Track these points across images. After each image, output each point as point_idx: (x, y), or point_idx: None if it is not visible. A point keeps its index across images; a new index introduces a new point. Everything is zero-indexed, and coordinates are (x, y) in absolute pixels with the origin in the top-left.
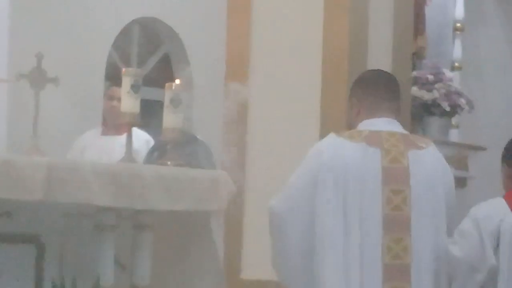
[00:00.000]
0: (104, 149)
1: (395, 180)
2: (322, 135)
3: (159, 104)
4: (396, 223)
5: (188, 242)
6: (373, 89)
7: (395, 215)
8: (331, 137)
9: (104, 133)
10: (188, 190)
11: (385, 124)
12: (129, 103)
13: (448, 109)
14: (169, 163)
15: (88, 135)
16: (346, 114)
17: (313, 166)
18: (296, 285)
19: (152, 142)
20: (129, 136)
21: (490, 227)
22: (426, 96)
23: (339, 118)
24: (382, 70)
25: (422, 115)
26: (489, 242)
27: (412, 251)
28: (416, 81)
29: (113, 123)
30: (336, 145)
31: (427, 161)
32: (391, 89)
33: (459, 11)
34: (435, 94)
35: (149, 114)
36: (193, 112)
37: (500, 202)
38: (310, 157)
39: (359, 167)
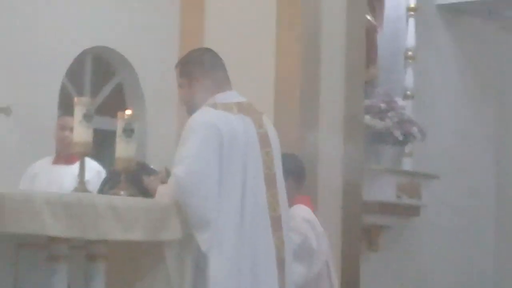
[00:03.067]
0: (55, 178)
1: (265, 143)
2: None
3: (113, 134)
4: (270, 181)
5: (142, 273)
6: (215, 68)
7: (268, 173)
8: (211, 111)
9: (56, 162)
10: (141, 220)
11: (237, 96)
12: (81, 133)
13: (401, 137)
14: (122, 193)
15: (40, 164)
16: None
17: (210, 136)
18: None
19: (103, 172)
20: (82, 166)
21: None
22: (379, 125)
23: (292, 143)
24: (209, 49)
25: (375, 143)
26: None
27: (280, 204)
28: (369, 110)
29: (65, 152)
30: (221, 118)
31: (271, 125)
32: (224, 66)
33: (410, 39)
34: (388, 122)
35: (102, 144)
36: (147, 141)
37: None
38: (203, 128)
39: (244, 135)
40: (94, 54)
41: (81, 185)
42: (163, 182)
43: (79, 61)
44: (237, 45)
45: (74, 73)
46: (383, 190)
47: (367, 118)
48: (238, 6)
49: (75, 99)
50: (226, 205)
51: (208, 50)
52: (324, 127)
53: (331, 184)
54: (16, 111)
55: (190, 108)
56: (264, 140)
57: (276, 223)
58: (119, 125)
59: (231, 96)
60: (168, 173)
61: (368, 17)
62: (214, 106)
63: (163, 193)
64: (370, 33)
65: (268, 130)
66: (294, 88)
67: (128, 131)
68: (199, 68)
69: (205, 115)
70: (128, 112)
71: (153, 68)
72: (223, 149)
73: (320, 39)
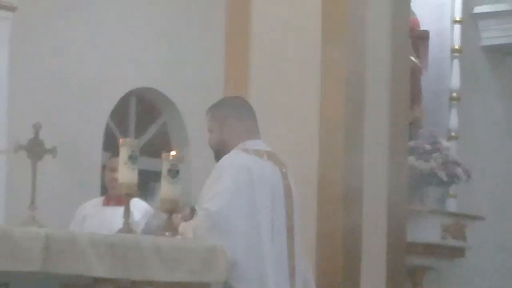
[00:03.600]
0: (106, 220)
1: (288, 194)
2: (320, 197)
3: (158, 174)
4: (290, 230)
5: None
6: (249, 114)
7: (289, 223)
8: (243, 154)
9: (106, 203)
10: (185, 261)
11: (265, 145)
12: (126, 174)
13: (445, 178)
14: (167, 234)
15: (89, 205)
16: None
17: (242, 176)
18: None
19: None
20: (127, 207)
21: None
22: (423, 166)
23: (336, 192)
24: (242, 97)
25: (419, 185)
26: None
27: (295, 255)
28: (413, 151)
29: (116, 194)
30: (253, 161)
31: (293, 179)
32: (255, 115)
33: (455, 80)
34: (432, 164)
35: (148, 185)
36: (191, 182)
37: None
38: (235, 168)
39: (273, 180)
40: (138, 95)
41: (126, 225)
42: (186, 220)
43: (123, 101)
44: (282, 84)
45: (118, 113)
46: (428, 231)
47: (412, 159)
48: (283, 46)
49: (120, 140)
50: (255, 240)
51: (241, 98)
52: (368, 168)
53: (375, 225)
54: (61, 152)
55: (219, 153)
56: (287, 191)
57: (292, 273)
58: (164, 166)
59: (261, 144)
60: (192, 213)
61: (413, 59)
62: (246, 151)
63: (186, 227)
64: (415, 74)
65: (291, 183)
66: (339, 128)
67: (173, 172)
68: (231, 114)
69: (237, 158)
70: (173, 153)
71: (198, 108)
72: (254, 189)
73: (364, 80)
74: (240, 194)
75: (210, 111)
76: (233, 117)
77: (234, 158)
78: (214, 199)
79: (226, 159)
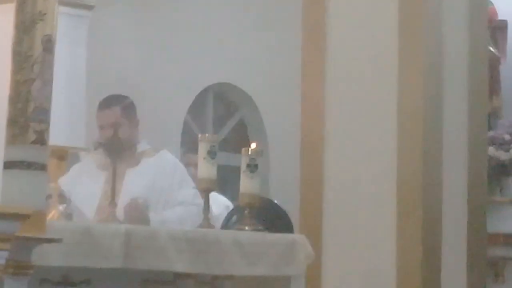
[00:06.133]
0: None
1: None
2: (400, 195)
3: (237, 169)
4: None
5: None
6: None
7: None
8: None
9: None
10: (265, 255)
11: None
12: (205, 169)
13: None
14: (246, 228)
15: None
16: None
17: None
18: None
19: (231, 207)
20: (206, 202)
21: None
22: (503, 156)
23: (415, 184)
24: None
25: (499, 175)
26: None
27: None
28: (492, 141)
29: None
30: None
31: None
32: None
33: None
34: None
35: (227, 179)
36: (270, 176)
37: None
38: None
39: None
40: (215, 90)
41: (206, 221)
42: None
43: (200, 97)
44: (359, 80)
45: (196, 109)
46: (509, 221)
47: (491, 149)
48: (358, 40)
49: (199, 135)
50: None
51: None
52: (447, 159)
53: (455, 217)
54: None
55: (120, 148)
56: None
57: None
58: (243, 161)
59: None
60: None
61: (491, 49)
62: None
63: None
64: (493, 64)
65: None
66: (418, 121)
67: (252, 167)
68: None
69: (171, 155)
70: (253, 146)
71: (275, 103)
72: None
73: (442, 71)
74: None
75: (118, 106)
76: (135, 117)
77: (170, 155)
78: (198, 196)
79: (169, 154)
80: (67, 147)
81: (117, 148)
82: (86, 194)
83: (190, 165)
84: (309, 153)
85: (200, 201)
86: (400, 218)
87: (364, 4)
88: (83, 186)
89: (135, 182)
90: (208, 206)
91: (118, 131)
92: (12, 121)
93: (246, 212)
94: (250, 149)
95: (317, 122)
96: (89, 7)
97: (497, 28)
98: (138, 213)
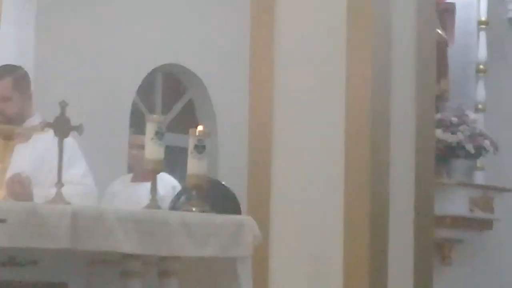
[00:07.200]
0: (133, 196)
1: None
2: (347, 179)
3: (184, 151)
4: None
5: None
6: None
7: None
8: None
9: (133, 180)
10: (213, 236)
11: None
12: (153, 150)
13: (472, 151)
14: (194, 209)
15: (117, 182)
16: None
17: None
18: None
19: (178, 187)
20: (154, 183)
21: None
22: (450, 138)
23: (362, 167)
24: None
25: (446, 157)
26: None
27: None
28: (440, 124)
29: (142, 170)
30: None
31: None
32: None
33: (482, 52)
34: (460, 136)
35: (174, 161)
36: (219, 158)
37: None
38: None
39: None
40: (164, 72)
41: (153, 201)
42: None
43: (149, 78)
44: (306, 62)
45: (144, 90)
46: (455, 204)
47: (439, 132)
48: (307, 24)
49: (147, 116)
50: None
51: None
52: (395, 141)
53: (402, 199)
54: (88, 129)
55: (15, 122)
56: None
57: None
58: (191, 142)
59: None
60: None
61: (439, 31)
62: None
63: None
64: (441, 47)
65: None
66: (365, 102)
67: (200, 148)
68: (30, 83)
69: None
70: (200, 128)
71: (224, 85)
72: None
73: (390, 53)
74: None
75: (10, 78)
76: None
77: None
78: (89, 175)
79: None
80: None
81: (65, 127)
82: None
83: (135, 147)
84: (258, 135)
85: (90, 180)
86: (348, 201)
87: None
88: None
89: (24, 157)
90: (156, 187)
91: (7, 104)
92: None
93: (193, 193)
94: (197, 130)
95: (266, 104)
96: None
97: (445, 11)
98: (20, 188)
